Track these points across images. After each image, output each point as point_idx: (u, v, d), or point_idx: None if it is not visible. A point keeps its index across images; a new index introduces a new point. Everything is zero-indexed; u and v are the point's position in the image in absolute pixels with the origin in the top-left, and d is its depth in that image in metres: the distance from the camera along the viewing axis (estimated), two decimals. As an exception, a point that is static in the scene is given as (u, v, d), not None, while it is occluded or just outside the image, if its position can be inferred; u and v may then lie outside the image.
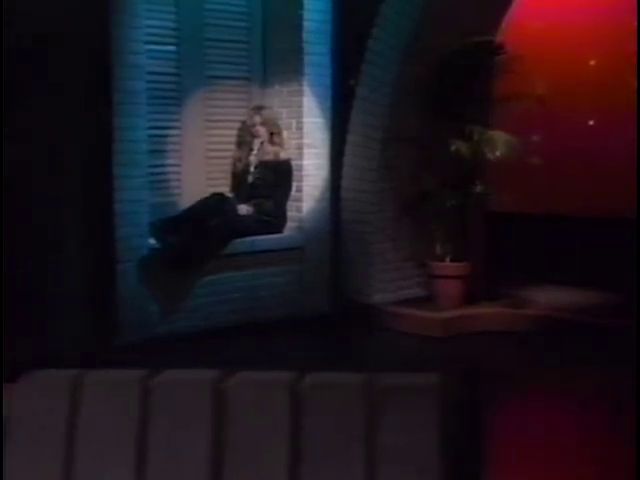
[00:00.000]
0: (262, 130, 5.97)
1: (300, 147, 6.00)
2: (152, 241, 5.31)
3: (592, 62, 6.45)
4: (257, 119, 5.98)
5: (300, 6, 5.89)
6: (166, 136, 5.73)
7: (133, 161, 5.14)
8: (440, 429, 1.78)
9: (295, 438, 1.79)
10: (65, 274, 5.03)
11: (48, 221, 4.95)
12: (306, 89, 5.97)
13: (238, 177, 6.04)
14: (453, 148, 5.37)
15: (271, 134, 5.99)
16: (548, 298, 5.76)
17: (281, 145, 6.01)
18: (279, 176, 5.95)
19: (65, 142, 4.94)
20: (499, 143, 5.37)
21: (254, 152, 5.96)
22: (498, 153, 5.37)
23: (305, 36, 5.92)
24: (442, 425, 1.77)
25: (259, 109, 6.04)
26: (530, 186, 6.39)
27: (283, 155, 5.98)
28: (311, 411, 1.82)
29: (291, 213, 6.02)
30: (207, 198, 5.66)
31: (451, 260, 5.77)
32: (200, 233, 5.42)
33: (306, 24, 5.92)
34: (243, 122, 6.06)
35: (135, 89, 5.12)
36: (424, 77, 5.65)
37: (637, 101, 5.43)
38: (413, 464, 1.76)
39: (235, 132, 6.08)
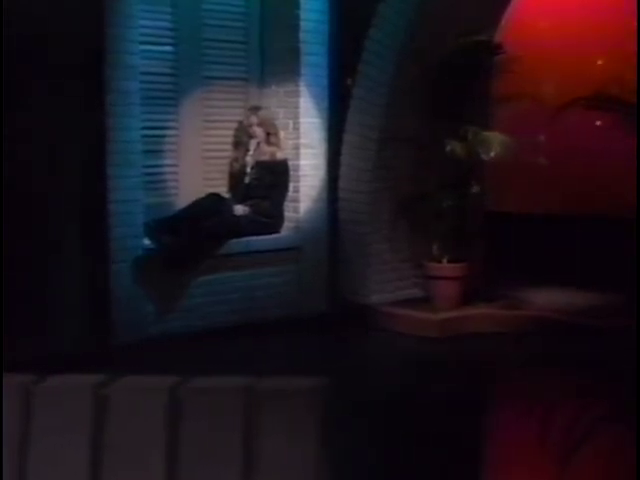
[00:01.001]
0: (259, 130, 5.96)
1: (297, 147, 5.99)
2: (147, 241, 5.32)
3: (599, 62, 6.40)
4: (254, 119, 5.97)
5: (297, 6, 5.88)
6: (162, 136, 5.73)
7: (127, 161, 5.14)
8: (319, 434, 1.76)
9: (173, 442, 1.78)
10: (60, 274, 5.03)
11: (43, 221, 4.95)
12: (303, 89, 5.95)
13: (235, 177, 6.04)
14: (448, 148, 5.35)
15: (268, 134, 5.99)
16: (546, 299, 5.73)
17: (278, 145, 6.00)
18: (276, 176, 5.93)
19: (59, 143, 4.94)
20: (494, 143, 5.34)
21: (251, 152, 5.95)
22: (492, 154, 5.34)
23: (302, 36, 5.91)
24: (321, 430, 1.75)
25: (256, 109, 6.04)
26: (530, 186, 6.36)
27: (280, 155, 5.97)
28: (189, 415, 1.80)
29: (288, 213, 6.01)
30: (203, 198, 5.66)
31: (448, 261, 5.74)
32: (195, 233, 5.42)
33: (303, 24, 5.91)
34: (240, 122, 6.06)
35: (129, 89, 5.12)
36: (421, 77, 5.63)
37: (637, 101, 5.38)
38: (291, 469, 1.75)
39: (232, 132, 6.08)
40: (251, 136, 5.97)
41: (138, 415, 1.79)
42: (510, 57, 5.74)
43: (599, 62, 6.36)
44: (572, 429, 4.14)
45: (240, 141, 6.05)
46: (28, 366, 4.46)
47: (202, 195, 5.71)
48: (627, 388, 4.32)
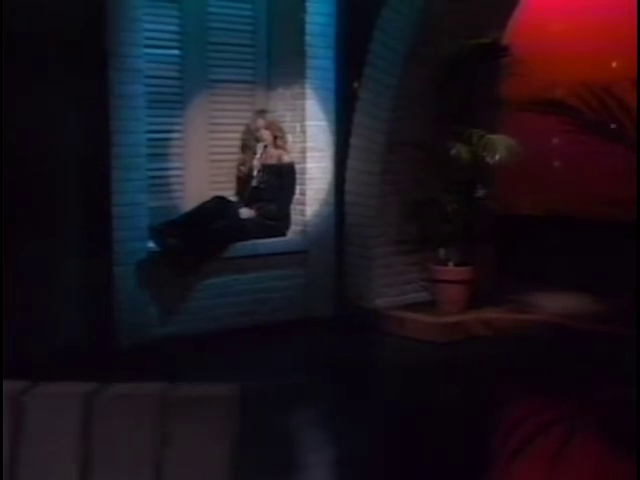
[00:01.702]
0: (266, 133, 5.96)
1: (304, 151, 5.98)
2: (152, 244, 5.33)
3: (613, 64, 6.33)
4: (261, 122, 5.98)
5: (304, 10, 5.88)
6: (168, 140, 5.75)
7: (131, 165, 5.15)
8: (231, 441, 1.74)
9: (86, 449, 1.76)
10: (64, 276, 5.06)
11: (47, 223, 4.99)
12: (310, 92, 5.94)
13: (242, 180, 6.05)
14: (453, 152, 5.31)
15: (275, 138, 5.99)
16: (554, 304, 5.67)
17: (285, 149, 6.00)
18: (282, 179, 5.93)
19: (63, 145, 4.97)
20: (499, 147, 5.29)
21: (258, 156, 5.95)
22: (497, 157, 5.29)
23: (309, 39, 5.90)
24: (233, 437, 1.73)
25: (263, 113, 6.05)
26: (541, 189, 6.31)
27: (287, 158, 5.97)
28: (103, 423, 1.79)
29: (295, 217, 6.01)
30: (208, 201, 5.67)
31: (454, 264, 5.70)
32: (199, 236, 5.43)
33: (310, 27, 5.90)
34: (247, 126, 6.06)
35: (134, 93, 5.13)
36: (428, 80, 5.60)
37: (637, 101, 5.31)
38: (202, 477, 1.73)
39: (239, 135, 6.08)
40: (258, 139, 5.97)
41: (52, 421, 1.78)
42: (518, 59, 5.69)
43: (613, 64, 6.30)
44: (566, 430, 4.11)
45: (247, 144, 6.06)
46: (30, 367, 4.54)
47: (208, 198, 5.73)
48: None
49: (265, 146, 5.95)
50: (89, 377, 4.85)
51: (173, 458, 1.73)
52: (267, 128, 5.96)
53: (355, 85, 5.97)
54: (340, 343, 5.61)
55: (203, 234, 5.46)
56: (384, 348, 5.50)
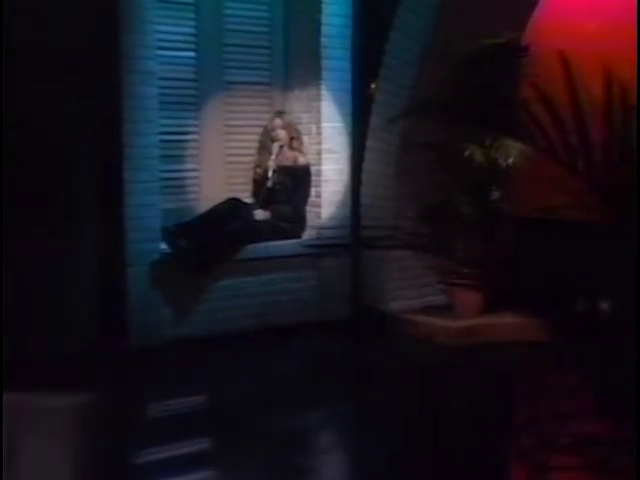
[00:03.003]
0: (282, 133, 5.95)
1: (319, 152, 5.96)
2: (164, 245, 5.35)
3: None
4: (278, 122, 5.97)
5: (320, 11, 5.86)
6: (183, 141, 5.77)
7: (144, 166, 5.17)
8: (76, 449, 1.71)
9: None
10: (77, 277, 5.10)
11: (60, 224, 5.03)
12: (326, 94, 5.92)
13: (257, 182, 6.04)
14: (467, 153, 5.24)
15: (291, 139, 5.98)
16: (573, 308, 5.55)
17: (300, 150, 5.98)
18: (297, 181, 5.92)
19: (75, 147, 5.00)
20: (512, 150, 5.20)
21: (273, 157, 5.94)
22: (510, 160, 5.20)
23: (325, 41, 5.88)
24: (80, 445, 1.71)
25: (280, 114, 6.04)
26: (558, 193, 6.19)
27: (302, 160, 5.95)
28: None
29: (310, 219, 5.98)
30: (222, 203, 5.67)
31: (471, 268, 5.61)
32: (212, 238, 5.43)
33: (326, 29, 5.88)
34: (265, 127, 6.06)
35: (146, 95, 5.15)
36: (443, 80, 5.53)
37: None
38: None
39: (255, 137, 6.08)
40: (274, 139, 5.96)
41: None
42: (538, 59, 5.59)
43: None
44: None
45: (264, 145, 6.05)
46: (44, 366, 4.57)
47: (222, 200, 5.72)
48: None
49: (281, 146, 5.94)
50: (100, 377, 4.91)
51: (20, 467, 1.71)
52: (284, 128, 5.96)
53: (372, 86, 5.93)
54: (351, 346, 5.58)
55: (216, 236, 5.46)
56: (394, 351, 5.44)
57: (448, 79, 5.53)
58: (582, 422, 2.70)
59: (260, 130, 6.05)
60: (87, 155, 5.04)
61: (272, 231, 5.75)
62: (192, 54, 5.80)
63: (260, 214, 5.79)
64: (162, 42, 5.45)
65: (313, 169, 5.97)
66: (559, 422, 4.13)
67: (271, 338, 5.54)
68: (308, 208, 5.99)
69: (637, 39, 5.15)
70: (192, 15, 5.77)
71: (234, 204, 5.71)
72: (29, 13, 4.72)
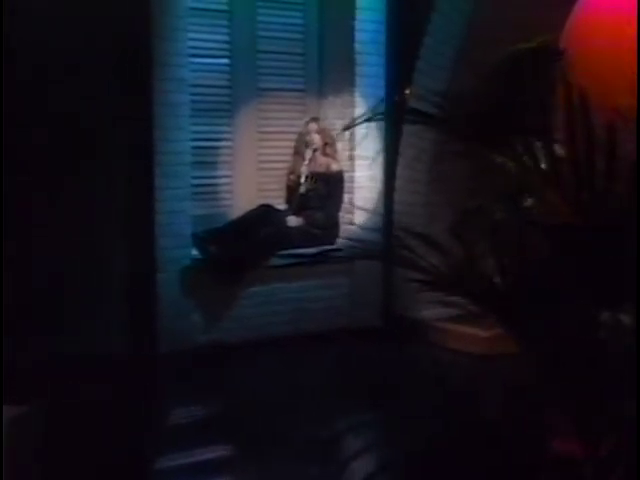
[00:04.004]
0: (317, 138, 5.94)
1: (352, 158, 5.94)
2: (195, 252, 5.38)
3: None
4: (313, 127, 5.96)
5: (354, 17, 5.84)
6: (215, 148, 5.80)
7: (175, 173, 5.22)
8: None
9: None
10: (107, 282, 5.16)
11: (91, 230, 5.10)
12: (359, 100, 5.90)
13: (291, 189, 6.04)
14: (499, 160, 5.14)
15: (325, 144, 5.96)
16: (605, 317, 5.42)
17: (333, 157, 5.97)
18: (330, 187, 5.90)
19: (107, 154, 5.07)
20: (543, 156, 5.08)
21: (306, 162, 5.94)
22: (542, 166, 5.09)
23: (359, 47, 5.87)
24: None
25: (315, 119, 6.03)
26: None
27: (335, 167, 5.94)
28: None
29: (343, 225, 5.96)
30: (254, 210, 5.68)
31: (503, 276, 5.52)
32: (243, 244, 5.44)
33: (360, 35, 5.86)
34: (300, 132, 6.06)
35: (178, 102, 5.19)
36: (476, 86, 5.46)
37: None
38: None
39: (289, 144, 6.08)
40: (308, 144, 5.95)
41: None
42: (573, 64, 5.48)
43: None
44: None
45: (298, 151, 6.05)
46: (75, 368, 4.63)
47: (254, 207, 5.74)
48: None
49: (314, 150, 5.93)
50: (129, 382, 4.95)
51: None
52: (318, 133, 5.94)
53: (406, 92, 5.88)
54: (382, 354, 5.53)
55: (247, 242, 5.48)
56: (425, 360, 5.39)
57: (481, 84, 5.46)
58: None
59: (293, 137, 6.06)
60: (118, 162, 5.10)
61: (304, 238, 5.73)
62: (226, 61, 5.84)
63: (292, 220, 5.79)
64: (195, 49, 5.50)
65: (346, 175, 5.95)
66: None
67: (302, 345, 5.53)
68: (341, 214, 5.98)
69: (637, 39, 5.02)
70: (225, 22, 5.80)
71: (266, 210, 5.72)
72: (64, 18, 4.80)
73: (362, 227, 5.91)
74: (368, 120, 2.83)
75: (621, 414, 2.05)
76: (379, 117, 3.95)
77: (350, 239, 5.80)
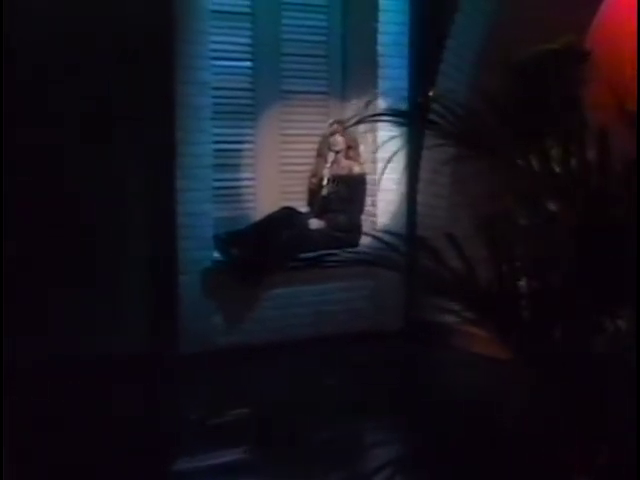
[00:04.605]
0: (340, 140, 5.92)
1: (375, 161, 5.91)
2: (217, 254, 5.39)
3: None
4: (337, 129, 5.94)
5: (377, 19, 5.82)
6: (238, 150, 5.81)
7: (196, 175, 5.24)
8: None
9: None
10: (129, 284, 5.20)
11: (113, 232, 5.13)
12: (383, 102, 5.87)
13: (313, 191, 6.03)
14: (522, 163, 5.09)
15: (348, 147, 5.94)
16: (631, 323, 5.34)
17: (357, 160, 5.95)
18: (352, 190, 5.88)
19: (129, 156, 5.11)
20: (570, 157, 5.01)
21: (328, 165, 5.92)
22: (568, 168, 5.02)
23: (382, 49, 5.85)
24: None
25: (340, 122, 6.01)
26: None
27: (357, 169, 5.92)
28: None
29: (365, 228, 5.94)
30: (276, 212, 5.68)
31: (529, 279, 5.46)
32: (264, 247, 5.44)
33: (383, 37, 5.84)
34: (323, 134, 6.05)
35: (199, 104, 5.21)
36: (499, 88, 5.40)
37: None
38: None
39: (312, 146, 6.07)
40: (330, 147, 5.94)
41: None
42: (600, 64, 5.41)
43: None
44: None
45: (321, 153, 6.04)
46: (94, 368, 4.66)
47: (277, 209, 5.74)
48: None
49: (337, 152, 5.91)
50: (149, 383, 4.97)
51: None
52: (342, 136, 5.92)
53: (429, 94, 5.84)
54: (403, 357, 5.50)
55: (268, 245, 5.47)
56: (446, 363, 5.34)
57: (504, 86, 5.41)
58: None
59: (316, 139, 6.05)
60: (140, 164, 5.13)
61: (326, 241, 5.72)
62: (249, 64, 5.85)
63: (315, 223, 5.77)
64: (218, 52, 5.53)
65: (369, 178, 5.93)
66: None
67: (323, 348, 5.51)
68: (363, 217, 5.95)
69: (637, 39, 4.95)
70: (248, 25, 5.82)
71: (288, 213, 5.72)
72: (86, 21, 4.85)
73: (384, 230, 5.88)
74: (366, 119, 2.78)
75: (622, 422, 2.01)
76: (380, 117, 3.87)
77: (370, 247, 5.83)
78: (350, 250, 5.76)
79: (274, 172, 5.98)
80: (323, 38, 6.08)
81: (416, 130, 5.85)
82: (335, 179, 5.89)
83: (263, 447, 4.19)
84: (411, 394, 5.03)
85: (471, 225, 5.76)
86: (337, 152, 5.90)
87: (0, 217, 4.66)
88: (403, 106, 2.80)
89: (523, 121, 5.45)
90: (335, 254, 5.35)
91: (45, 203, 4.83)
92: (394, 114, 2.47)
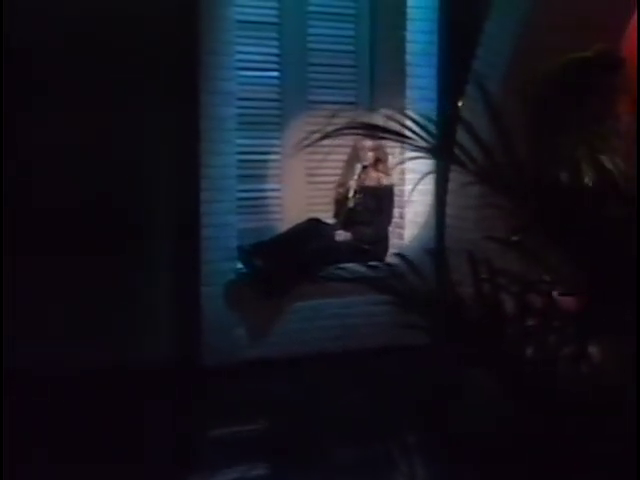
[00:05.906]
0: (370, 154, 5.85)
1: (403, 172, 5.83)
2: (241, 265, 5.35)
3: None
4: (368, 143, 5.87)
5: (405, 28, 5.75)
6: (264, 161, 5.77)
7: (221, 186, 5.20)
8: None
9: None
10: (152, 295, 5.17)
11: (137, 242, 5.12)
12: (410, 112, 5.78)
13: (340, 203, 5.96)
14: (553, 174, 4.97)
15: (377, 160, 5.87)
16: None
17: (386, 173, 5.86)
18: (380, 202, 5.80)
19: (153, 167, 5.09)
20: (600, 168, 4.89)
21: (355, 177, 5.85)
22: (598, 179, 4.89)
23: (410, 58, 5.77)
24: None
25: (369, 133, 5.93)
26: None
27: (385, 181, 5.84)
28: None
29: (393, 240, 5.85)
30: (302, 223, 5.62)
31: (559, 294, 5.33)
32: (289, 258, 5.38)
33: (411, 46, 5.77)
34: (353, 146, 5.97)
35: (224, 115, 5.18)
36: (529, 97, 5.30)
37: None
38: None
39: (339, 157, 6.00)
40: (360, 159, 5.87)
41: None
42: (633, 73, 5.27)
43: None
44: None
45: (349, 164, 5.98)
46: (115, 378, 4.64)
47: (303, 220, 5.68)
48: None
49: (364, 167, 5.84)
50: (173, 395, 4.94)
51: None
52: (372, 150, 5.84)
53: (459, 104, 5.76)
54: (427, 371, 5.40)
55: (294, 256, 5.41)
56: (470, 378, 5.22)
57: (534, 95, 5.30)
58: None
59: (343, 150, 5.98)
60: (164, 175, 5.11)
61: (352, 253, 5.63)
62: (276, 74, 5.81)
63: (341, 235, 5.70)
64: (245, 63, 5.50)
65: (397, 189, 5.84)
66: None
67: (348, 361, 5.43)
68: (391, 229, 5.87)
69: (637, 39, 4.81)
70: (275, 35, 5.78)
71: (314, 224, 5.65)
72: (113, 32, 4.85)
73: (413, 241, 5.80)
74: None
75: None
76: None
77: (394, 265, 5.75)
78: (374, 264, 5.68)
79: (300, 183, 5.93)
80: (351, 48, 6.03)
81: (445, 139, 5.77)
82: (362, 190, 5.82)
83: (285, 462, 4.13)
84: (438, 409, 4.93)
85: (502, 237, 5.65)
86: (365, 166, 5.83)
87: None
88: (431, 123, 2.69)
89: (555, 131, 5.32)
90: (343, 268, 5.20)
91: (72, 210, 4.84)
92: (417, 136, 2.36)
